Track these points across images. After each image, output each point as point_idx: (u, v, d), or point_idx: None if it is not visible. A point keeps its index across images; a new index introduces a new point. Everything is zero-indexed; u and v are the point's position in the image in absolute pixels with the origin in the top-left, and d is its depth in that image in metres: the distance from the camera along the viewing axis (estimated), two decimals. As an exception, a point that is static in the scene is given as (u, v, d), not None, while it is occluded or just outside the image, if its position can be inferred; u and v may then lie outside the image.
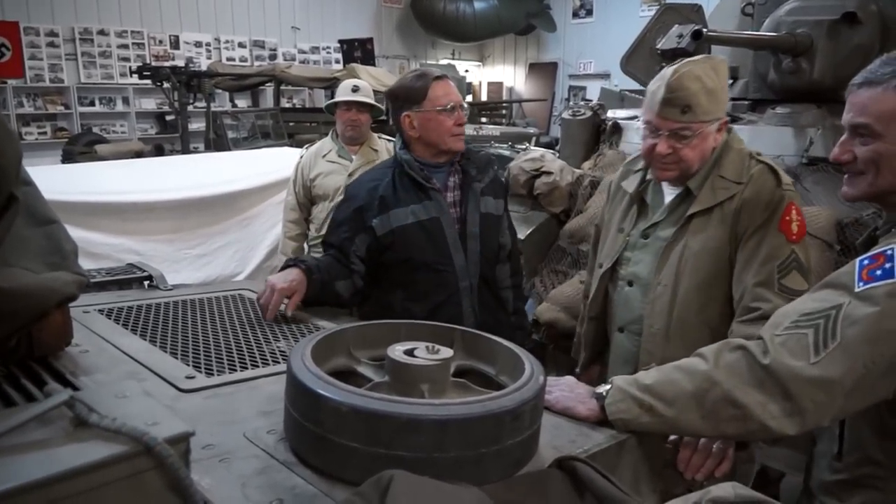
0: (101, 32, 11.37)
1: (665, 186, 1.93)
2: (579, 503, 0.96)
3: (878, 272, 1.17)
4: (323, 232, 3.58)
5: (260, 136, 8.55)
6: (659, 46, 3.71)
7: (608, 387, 1.30)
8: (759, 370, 1.18)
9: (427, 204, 2.19)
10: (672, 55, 3.69)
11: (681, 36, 3.59)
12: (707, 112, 1.77)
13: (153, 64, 10.34)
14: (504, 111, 14.01)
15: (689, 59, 1.81)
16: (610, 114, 4.11)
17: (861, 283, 1.18)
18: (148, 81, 9.04)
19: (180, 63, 10.49)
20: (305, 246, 3.76)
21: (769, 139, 3.04)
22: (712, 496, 0.95)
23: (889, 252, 1.18)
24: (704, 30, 3.17)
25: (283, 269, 1.99)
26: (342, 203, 2.32)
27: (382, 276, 2.23)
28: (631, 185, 2.00)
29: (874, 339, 1.14)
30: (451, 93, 2.20)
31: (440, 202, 2.21)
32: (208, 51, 12.57)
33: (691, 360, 1.28)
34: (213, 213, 4.11)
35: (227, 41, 12.85)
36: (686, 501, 0.93)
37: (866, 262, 1.20)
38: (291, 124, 9.56)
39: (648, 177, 1.96)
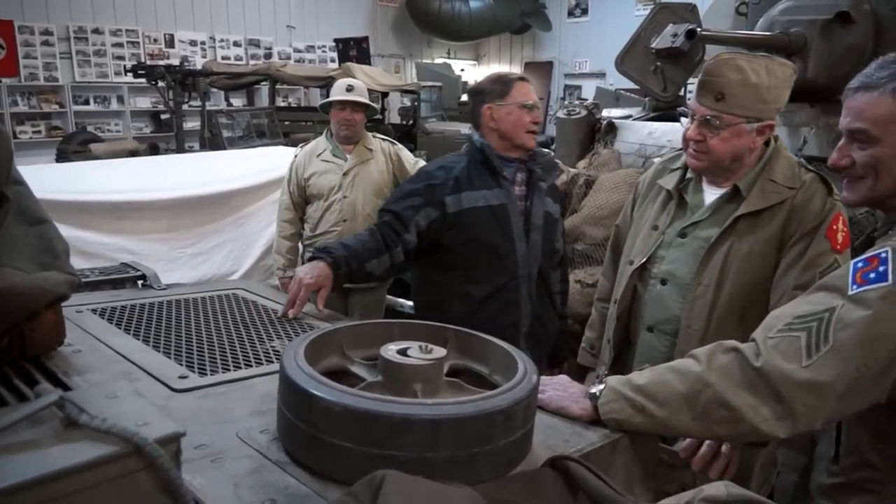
0: (96, 31, 11.32)
1: (706, 186, 1.92)
2: (572, 502, 0.96)
3: (872, 275, 1.17)
4: (318, 232, 3.59)
5: (255, 136, 8.53)
6: (653, 46, 3.72)
7: (602, 386, 1.30)
8: (752, 372, 1.18)
9: (497, 191, 2.32)
10: (666, 54, 3.70)
11: (675, 35, 3.60)
12: (742, 106, 1.75)
13: (148, 63, 10.30)
14: (499, 110, 13.97)
15: (752, 53, 1.82)
16: (605, 113, 4.12)
17: (855, 286, 1.18)
18: (143, 80, 8.99)
19: (175, 62, 10.45)
20: (300, 246, 3.75)
21: (763, 138, 3.05)
22: (705, 495, 0.95)
23: (883, 255, 1.18)
24: (698, 29, 3.17)
25: (310, 259, 2.02)
26: (414, 177, 2.46)
27: (444, 258, 2.33)
28: (669, 182, 1.97)
29: (867, 343, 1.14)
30: (531, 93, 2.38)
31: (509, 191, 2.34)
32: (203, 49, 12.53)
33: (684, 361, 1.27)
34: (207, 212, 4.11)
35: (222, 40, 12.81)
36: (679, 500, 0.93)
37: (860, 264, 1.20)
38: (287, 123, 9.54)
39: (689, 175, 1.95)
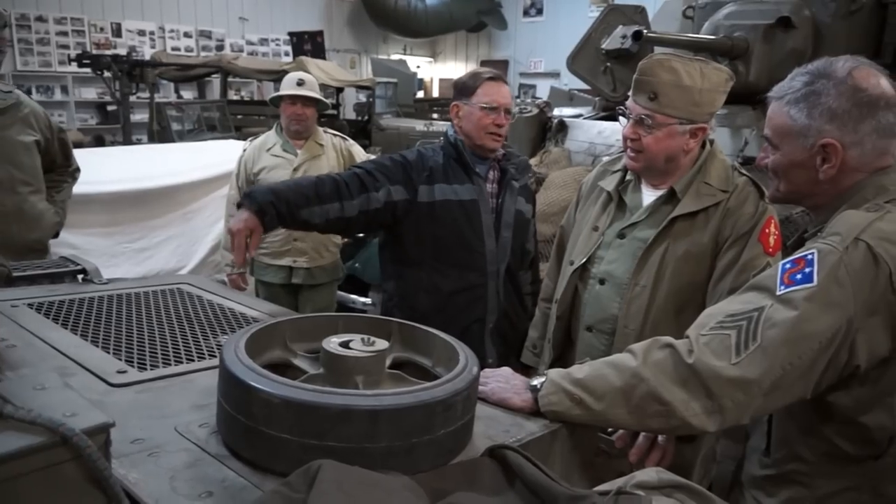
0: (40, 19, 10.97)
1: (644, 187, 1.95)
2: (509, 490, 0.98)
3: (799, 276, 1.21)
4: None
5: (206, 129, 8.38)
6: (604, 46, 3.79)
7: (542, 379, 1.32)
8: (684, 369, 1.21)
9: (469, 187, 2.33)
10: (616, 55, 3.78)
11: (624, 37, 3.68)
12: (674, 107, 1.78)
13: (94, 52, 10.01)
14: (455, 108, 14.01)
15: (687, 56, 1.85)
16: (556, 111, 4.18)
17: (782, 287, 1.22)
18: (88, 70, 8.75)
19: (122, 52, 10.19)
20: (249, 241, 3.70)
21: (707, 139, 3.14)
22: (637, 481, 0.99)
23: (809, 257, 1.22)
24: (645, 31, 3.24)
25: (238, 206, 2.00)
26: (394, 156, 2.40)
27: (413, 251, 2.33)
28: (609, 184, 2.00)
29: (792, 342, 1.18)
30: (498, 95, 2.33)
31: (481, 187, 2.35)
32: (152, 40, 12.25)
33: (622, 356, 1.31)
34: (154, 206, 4.04)
35: (172, 30, 12.54)
36: (612, 486, 0.96)
37: (788, 265, 1.25)
38: (240, 117, 9.41)
39: (628, 177, 1.98)
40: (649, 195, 1.93)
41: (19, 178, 2.73)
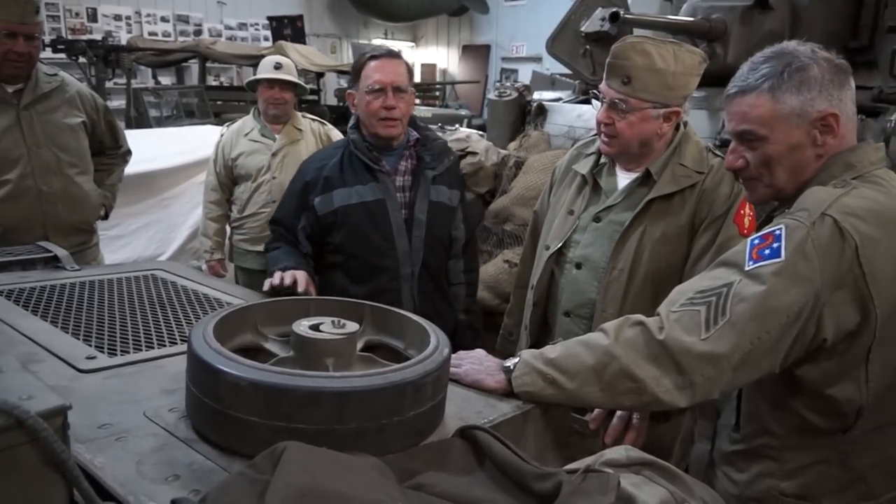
0: (12, 3, 10.73)
1: (619, 170, 1.93)
2: (479, 470, 0.99)
3: (767, 251, 1.22)
4: (246, 213, 3.51)
5: (184, 115, 8.27)
6: (583, 29, 3.77)
7: (516, 360, 1.33)
8: (655, 345, 1.22)
9: (373, 185, 2.15)
10: (595, 38, 3.76)
11: (604, 19, 3.66)
12: (648, 91, 1.76)
13: (68, 37, 9.83)
14: (437, 93, 13.98)
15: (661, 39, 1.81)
16: (536, 95, 4.17)
17: (751, 262, 1.23)
18: (63, 55, 8.58)
19: (98, 37, 10.01)
20: (227, 228, 3.67)
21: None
22: (606, 459, 0.99)
23: (777, 232, 1.23)
24: (622, 12, 3.23)
25: (282, 268, 1.97)
26: (293, 180, 2.30)
27: (326, 258, 2.23)
28: (584, 167, 1.98)
29: (760, 317, 1.19)
30: (381, 73, 2.09)
31: (387, 185, 2.16)
32: (129, 25, 12.03)
33: (594, 335, 1.31)
34: (130, 192, 3.97)
35: (148, 15, 12.33)
36: (582, 464, 0.97)
37: (756, 241, 1.26)
38: (219, 103, 9.28)
39: (603, 160, 1.96)
40: (624, 178, 1.92)
41: (66, 160, 2.72)
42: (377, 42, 15.22)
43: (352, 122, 2.25)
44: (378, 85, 2.09)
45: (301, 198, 2.19)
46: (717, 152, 1.89)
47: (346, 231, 2.15)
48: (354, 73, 2.18)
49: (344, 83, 11.02)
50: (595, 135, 2.03)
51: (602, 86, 1.84)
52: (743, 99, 1.34)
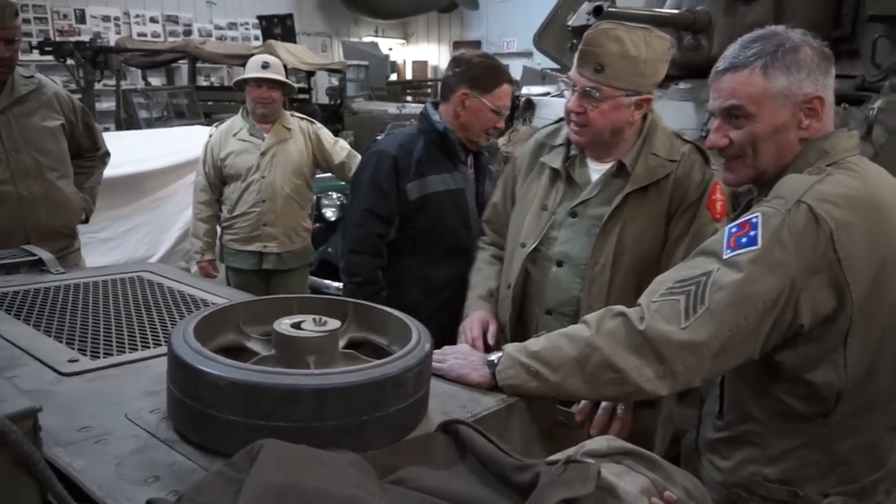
0: None
1: (590, 161, 1.88)
2: (461, 464, 0.99)
3: (744, 240, 1.23)
4: (236, 213, 3.50)
5: (174, 116, 8.25)
6: (570, 23, 3.77)
7: (500, 354, 1.33)
8: (636, 335, 1.23)
9: (455, 175, 2.35)
10: (582, 32, 3.75)
11: (590, 13, 3.65)
12: (621, 78, 1.71)
13: (56, 39, 9.79)
14: (429, 89, 13.97)
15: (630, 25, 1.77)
16: (524, 90, 4.16)
17: (729, 251, 1.24)
18: (50, 57, 8.55)
19: (86, 38, 9.97)
20: (218, 228, 3.66)
21: (672, 114, 3.12)
22: (587, 449, 1.00)
23: (754, 220, 1.24)
24: (605, 5, 3.22)
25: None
26: (379, 165, 2.35)
27: (405, 242, 2.35)
28: (555, 160, 1.90)
29: (738, 304, 1.20)
30: (508, 99, 2.36)
31: (466, 175, 2.38)
32: (117, 26, 12.01)
33: (576, 327, 1.32)
34: (120, 194, 3.97)
35: (137, 16, 12.30)
36: (562, 455, 0.97)
37: (734, 229, 1.26)
38: (210, 103, 9.26)
39: (573, 151, 1.89)
40: (596, 170, 1.87)
41: (46, 164, 2.68)
42: (367, 40, 15.18)
43: (433, 113, 2.37)
44: (505, 109, 2.34)
45: (396, 183, 2.29)
46: (686, 138, 1.86)
47: (432, 216, 2.31)
48: (483, 84, 2.28)
49: (336, 82, 10.96)
50: (555, 123, 2.00)
51: (573, 73, 1.77)
52: (734, 76, 1.33)
